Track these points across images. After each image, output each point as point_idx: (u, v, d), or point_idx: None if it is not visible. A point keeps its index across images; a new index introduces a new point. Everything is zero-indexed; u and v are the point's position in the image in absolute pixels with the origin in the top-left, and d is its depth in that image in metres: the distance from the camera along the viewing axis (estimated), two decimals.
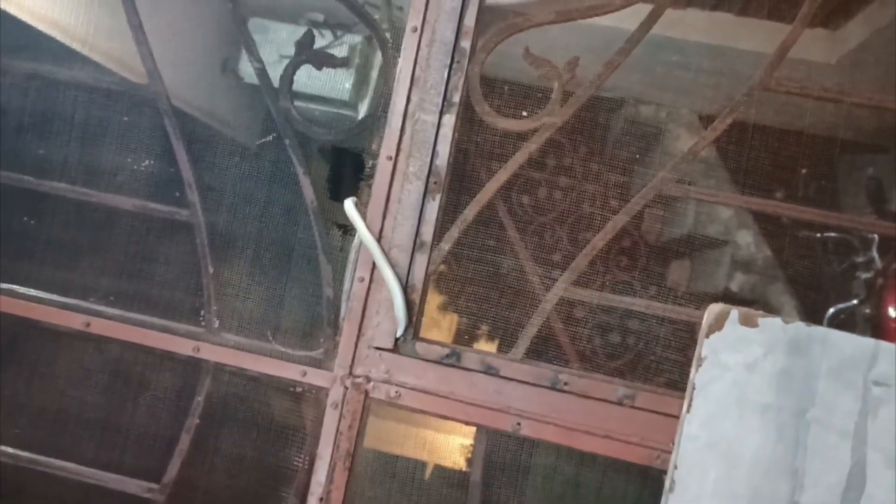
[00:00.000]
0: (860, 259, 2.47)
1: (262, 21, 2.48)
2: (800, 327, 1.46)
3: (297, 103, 1.95)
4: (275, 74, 2.33)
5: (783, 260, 2.45)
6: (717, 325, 1.49)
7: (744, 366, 1.46)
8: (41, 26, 1.92)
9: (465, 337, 1.83)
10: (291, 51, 2.46)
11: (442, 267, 1.68)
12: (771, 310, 2.53)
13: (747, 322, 1.48)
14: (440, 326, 1.91)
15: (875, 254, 2.45)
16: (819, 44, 2.33)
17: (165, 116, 1.73)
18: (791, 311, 2.52)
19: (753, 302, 2.59)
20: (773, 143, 1.84)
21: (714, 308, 1.50)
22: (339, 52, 2.40)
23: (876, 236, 2.46)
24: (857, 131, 1.87)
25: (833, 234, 2.45)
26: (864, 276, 2.47)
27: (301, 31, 2.47)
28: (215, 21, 1.80)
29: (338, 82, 2.23)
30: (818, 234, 2.40)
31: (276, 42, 2.48)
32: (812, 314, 2.44)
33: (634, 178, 1.79)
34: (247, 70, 1.95)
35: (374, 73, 2.39)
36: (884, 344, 1.43)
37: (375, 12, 2.45)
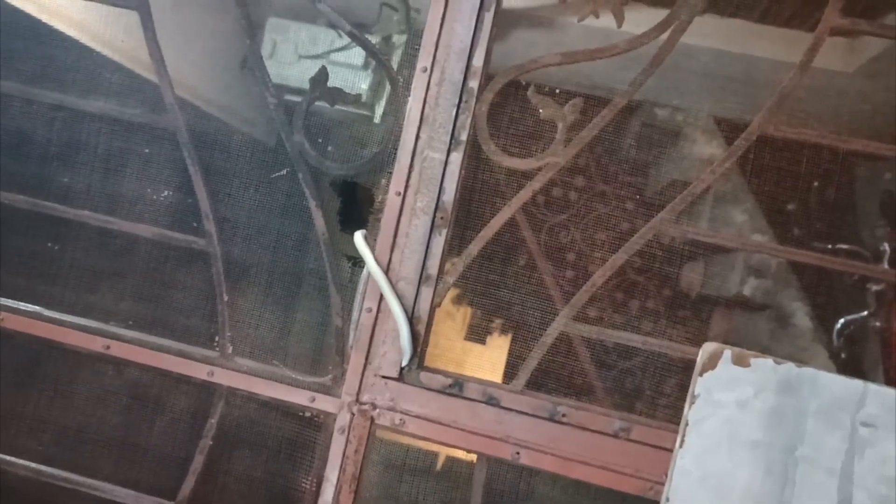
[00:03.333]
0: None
1: (282, 21, 2.54)
2: (790, 368, 1.50)
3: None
4: (292, 74, 2.36)
5: (796, 267, 2.46)
6: (711, 363, 1.54)
7: (736, 404, 1.51)
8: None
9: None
10: (310, 51, 2.50)
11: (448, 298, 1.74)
12: (783, 315, 2.56)
13: (740, 361, 1.53)
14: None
15: (886, 266, 2.47)
16: (837, 53, 2.36)
17: (184, 149, 1.80)
18: (804, 318, 2.55)
19: (766, 307, 2.61)
20: (784, 155, 1.86)
21: (708, 347, 1.55)
22: (357, 52, 2.45)
23: (888, 249, 2.48)
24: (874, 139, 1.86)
25: (845, 246, 2.48)
26: (875, 288, 2.50)
27: (319, 30, 2.52)
28: (234, 19, 1.83)
29: (354, 83, 2.30)
30: (829, 245, 2.43)
31: (295, 42, 2.54)
32: (823, 322, 2.46)
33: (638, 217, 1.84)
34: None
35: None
36: (872, 386, 1.48)
37: (394, 14, 2.50)
